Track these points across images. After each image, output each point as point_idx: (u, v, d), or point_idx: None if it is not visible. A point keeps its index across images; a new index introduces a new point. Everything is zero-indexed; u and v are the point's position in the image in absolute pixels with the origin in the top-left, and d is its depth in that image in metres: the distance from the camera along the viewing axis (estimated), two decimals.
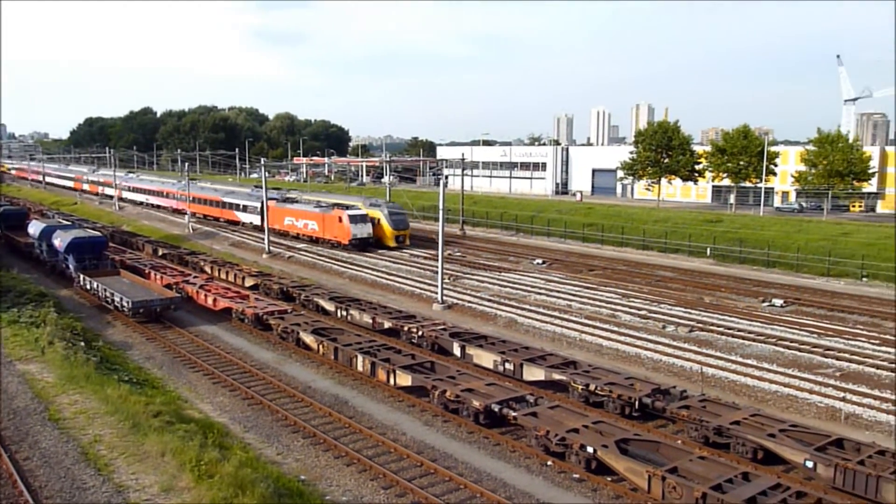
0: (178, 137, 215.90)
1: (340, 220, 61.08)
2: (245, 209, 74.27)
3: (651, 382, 26.54)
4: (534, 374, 27.97)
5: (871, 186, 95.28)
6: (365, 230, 60.87)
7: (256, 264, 54.96)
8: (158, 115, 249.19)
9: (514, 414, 23.37)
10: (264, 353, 33.48)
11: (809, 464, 20.04)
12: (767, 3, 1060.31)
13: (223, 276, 48.86)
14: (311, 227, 64.42)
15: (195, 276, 45.89)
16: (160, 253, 58.33)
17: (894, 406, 25.79)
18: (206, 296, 40.05)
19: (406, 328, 33.98)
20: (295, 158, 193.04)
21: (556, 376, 27.35)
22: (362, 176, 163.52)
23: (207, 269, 51.12)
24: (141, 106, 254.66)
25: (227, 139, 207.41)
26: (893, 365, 30.44)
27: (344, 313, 37.78)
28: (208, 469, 18.21)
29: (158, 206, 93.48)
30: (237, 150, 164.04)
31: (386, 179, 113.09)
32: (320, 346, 31.64)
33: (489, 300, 43.34)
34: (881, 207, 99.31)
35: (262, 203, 65.04)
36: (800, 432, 21.92)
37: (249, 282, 46.15)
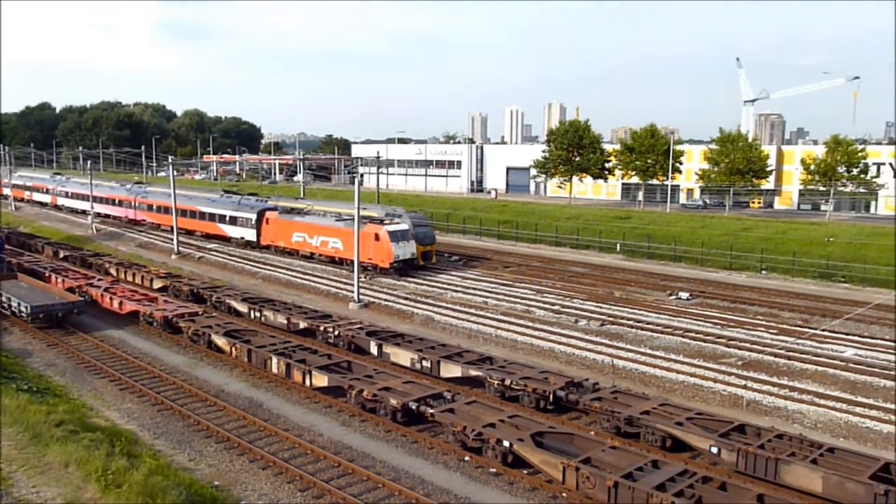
0: (80, 134, 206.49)
1: (377, 237, 48.63)
2: (234, 222, 62.07)
3: (565, 376, 27.13)
4: (451, 370, 28.14)
5: (769, 184, 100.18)
6: (408, 249, 49.51)
7: (165, 265, 53.24)
8: (58, 110, 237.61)
9: (431, 411, 23.46)
10: (174, 356, 32.45)
11: (714, 449, 20.91)
12: (674, 6, 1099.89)
13: (130, 278, 47.07)
14: (333, 245, 52.14)
15: (99, 279, 44.05)
16: (62, 255, 55.72)
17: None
18: (111, 299, 38.52)
19: (322, 328, 33.60)
20: (205, 156, 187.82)
21: (473, 372, 27.60)
22: (275, 174, 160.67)
23: (113, 271, 49.14)
24: (37, 101, 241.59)
25: (132, 136, 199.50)
26: (788, 353, 32.09)
27: (257, 314, 37.03)
28: (116, 478, 17.49)
29: (108, 216, 79.39)
30: (143, 147, 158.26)
31: (299, 178, 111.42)
32: (233, 349, 30.91)
33: (406, 298, 43.34)
34: (778, 203, 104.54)
35: (259, 214, 58.97)
36: (705, 420, 22.83)
37: (158, 284, 44.64)
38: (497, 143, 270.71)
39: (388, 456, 22.22)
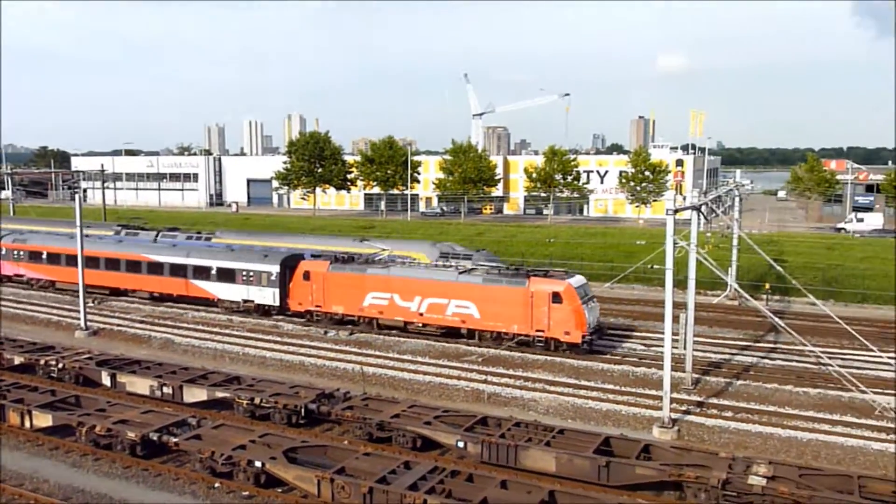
0: None
1: (558, 297, 33.16)
2: (247, 278, 41.55)
3: (316, 388, 26.95)
4: (195, 395, 26.70)
5: (498, 191, 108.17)
6: (595, 312, 34.95)
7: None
8: None
9: (175, 440, 22.06)
10: None
11: (461, 444, 22.04)
12: (408, 20, 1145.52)
13: None
14: (459, 310, 35.50)
15: None
16: None
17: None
18: None
19: (43, 362, 30.12)
20: None
21: (220, 394, 26.42)
22: None
23: None
24: None
25: None
26: (521, 348, 34.77)
27: None
28: None
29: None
30: None
31: (7, 194, 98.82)
32: None
33: (141, 322, 40.37)
34: (507, 209, 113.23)
35: (284, 265, 40.56)
36: (451, 416, 23.96)
37: None
38: (237, 155, 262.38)
39: (128, 493, 20.48)
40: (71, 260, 43.54)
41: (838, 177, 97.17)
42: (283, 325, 39.65)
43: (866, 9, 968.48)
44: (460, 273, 36.39)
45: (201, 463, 21.04)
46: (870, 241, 72.17)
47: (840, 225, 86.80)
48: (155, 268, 44.60)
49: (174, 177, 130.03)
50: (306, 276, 39.03)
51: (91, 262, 43.20)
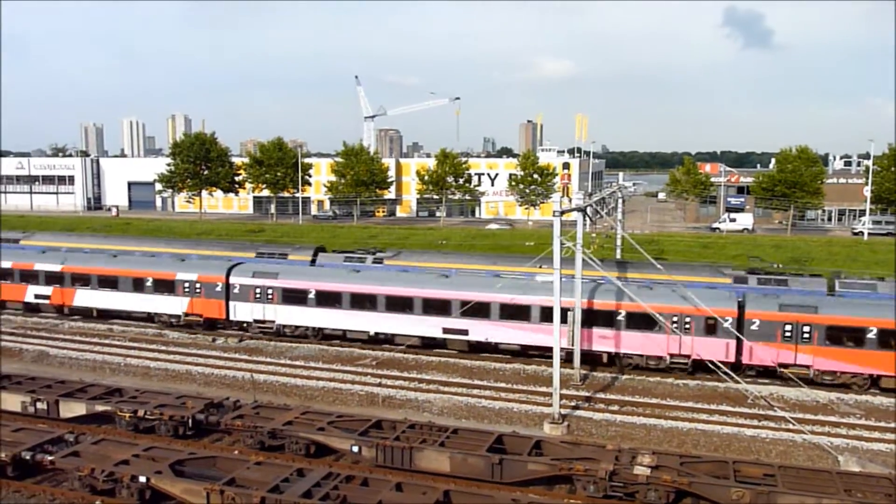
0: None
1: None
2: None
3: (204, 398, 26.05)
4: (73, 409, 25.29)
5: (391, 194, 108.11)
6: None
7: None
8: None
9: (51, 458, 20.80)
10: None
11: (355, 448, 21.86)
12: (296, 20, 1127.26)
13: None
14: None
15: None
16: None
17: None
18: None
19: None
20: None
21: (100, 408, 25.13)
22: None
23: None
24: None
25: None
26: (414, 348, 34.87)
27: None
28: None
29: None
30: None
31: None
32: None
33: (11, 333, 37.86)
34: (400, 212, 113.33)
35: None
36: (346, 421, 23.73)
37: None
38: (116, 157, 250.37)
39: None
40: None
41: (712, 179, 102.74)
42: (167, 332, 38.14)
43: (734, 19, 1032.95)
44: None
45: (80, 481, 19.93)
46: (741, 240, 76.73)
47: (715, 225, 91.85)
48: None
49: (48, 179, 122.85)
50: None
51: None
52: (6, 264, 41.87)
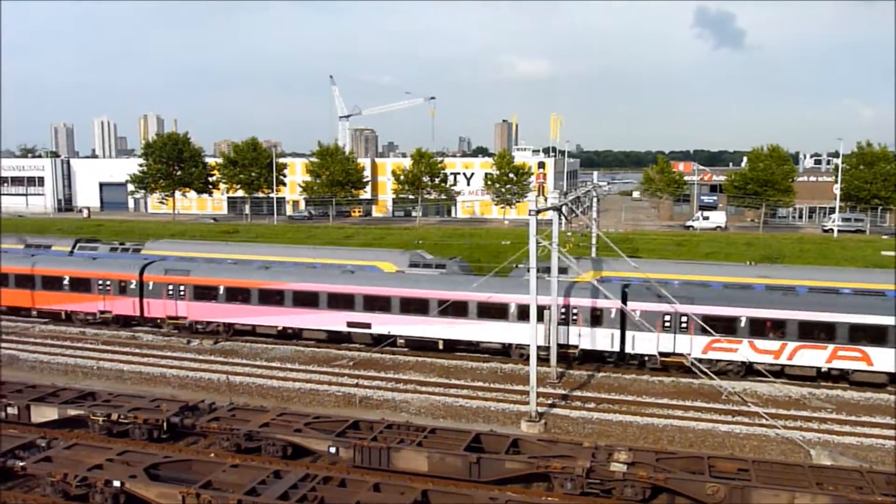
0: None
1: None
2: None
3: (179, 400, 25.80)
4: (45, 414, 24.92)
5: (366, 194, 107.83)
6: None
7: None
8: None
9: (22, 464, 20.49)
10: None
11: (332, 449, 21.78)
12: (269, 18, 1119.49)
13: None
14: None
15: None
16: None
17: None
18: None
19: None
20: None
21: (73, 412, 24.79)
22: None
23: None
24: None
25: None
26: (402, 349, 34.81)
27: None
28: None
29: None
30: None
31: None
32: None
33: None
34: (376, 211, 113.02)
35: None
36: (323, 422, 23.61)
37: None
38: (87, 157, 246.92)
39: None
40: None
41: (686, 178, 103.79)
42: (141, 335, 37.73)
43: (705, 19, 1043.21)
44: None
45: (52, 487, 19.66)
46: (714, 237, 77.57)
47: (688, 223, 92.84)
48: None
49: (17, 181, 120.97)
50: None
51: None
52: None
